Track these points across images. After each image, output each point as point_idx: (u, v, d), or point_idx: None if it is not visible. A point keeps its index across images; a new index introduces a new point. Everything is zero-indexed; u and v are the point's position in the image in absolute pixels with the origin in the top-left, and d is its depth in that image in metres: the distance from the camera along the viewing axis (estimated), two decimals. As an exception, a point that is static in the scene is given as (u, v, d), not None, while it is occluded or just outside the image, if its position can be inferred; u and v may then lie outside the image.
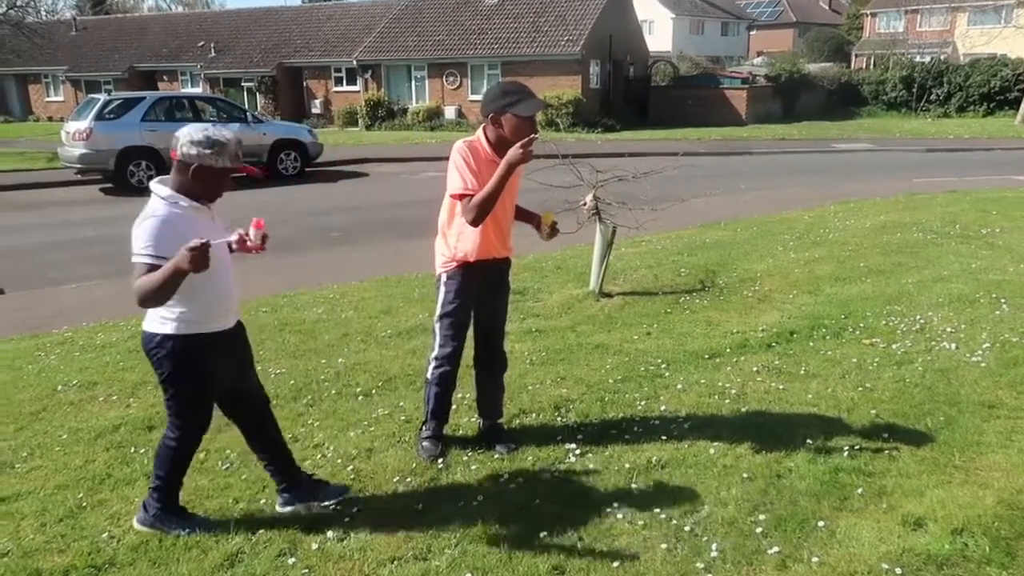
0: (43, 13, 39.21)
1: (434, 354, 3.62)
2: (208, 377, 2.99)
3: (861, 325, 5.50)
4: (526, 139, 3.16)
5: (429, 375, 3.65)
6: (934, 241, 8.33)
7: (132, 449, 3.89)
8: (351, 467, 3.60)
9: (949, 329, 5.35)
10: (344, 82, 31.78)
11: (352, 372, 4.87)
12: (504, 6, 30.08)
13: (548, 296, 6.51)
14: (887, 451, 3.59)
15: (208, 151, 2.73)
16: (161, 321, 2.88)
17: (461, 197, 3.31)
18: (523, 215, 3.66)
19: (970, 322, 5.51)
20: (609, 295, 6.42)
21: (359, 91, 30.70)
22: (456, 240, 3.47)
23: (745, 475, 3.40)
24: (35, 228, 11.39)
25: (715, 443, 3.71)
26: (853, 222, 9.61)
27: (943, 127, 26.48)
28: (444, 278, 3.55)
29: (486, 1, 30.68)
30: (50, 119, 36.44)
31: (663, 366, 4.77)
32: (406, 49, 29.87)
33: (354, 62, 30.49)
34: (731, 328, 5.50)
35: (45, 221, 12.03)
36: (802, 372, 4.62)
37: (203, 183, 2.79)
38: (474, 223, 3.32)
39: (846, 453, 3.55)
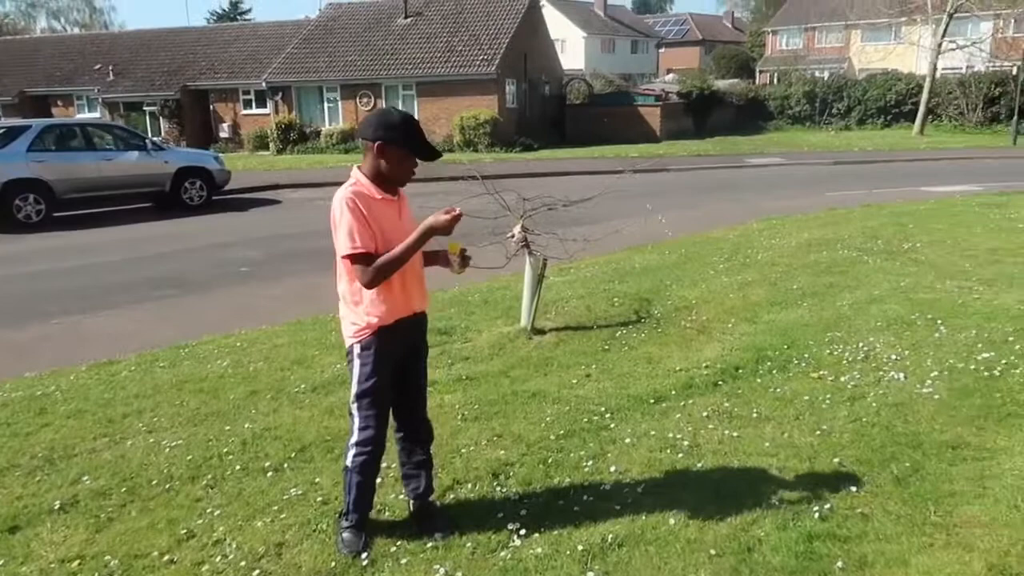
0: (-81, 35, 36.63)
1: (354, 439, 3.09)
2: None
3: (806, 356, 5.26)
4: (453, 211, 2.83)
5: (349, 462, 3.11)
6: (860, 259, 8.30)
7: (-13, 561, 3.23)
8: (257, 570, 3.05)
9: (894, 356, 5.17)
10: (253, 105, 30.68)
11: (261, 440, 4.28)
12: (417, 26, 29.67)
13: (477, 335, 6.06)
14: (859, 509, 3.28)
15: None
16: None
17: (352, 259, 2.84)
18: (426, 257, 3.20)
19: (912, 347, 5.36)
20: (542, 331, 6.02)
21: (269, 114, 29.65)
22: (367, 304, 2.97)
23: (712, 551, 3.02)
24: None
25: (674, 510, 3.32)
26: (778, 240, 9.55)
27: (846, 140, 27.47)
28: (357, 350, 3.03)
29: (398, 21, 30.21)
30: (-71, 149, 33.80)
31: (607, 415, 4.38)
32: (317, 70, 29.05)
33: (263, 84, 29.46)
34: (673, 365, 5.18)
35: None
36: (754, 415, 4.31)
37: None
38: (370, 287, 2.88)
39: (817, 515, 3.22)
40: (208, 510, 3.54)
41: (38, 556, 3.26)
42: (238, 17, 63.91)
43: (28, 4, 71.14)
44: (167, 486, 3.81)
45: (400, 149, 2.90)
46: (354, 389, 3.07)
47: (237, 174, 17.98)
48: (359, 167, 2.99)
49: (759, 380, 4.87)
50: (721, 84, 36.21)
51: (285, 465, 3.95)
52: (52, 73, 34.79)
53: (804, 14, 51.22)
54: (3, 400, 5.20)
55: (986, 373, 4.78)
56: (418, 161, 2.98)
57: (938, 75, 30.20)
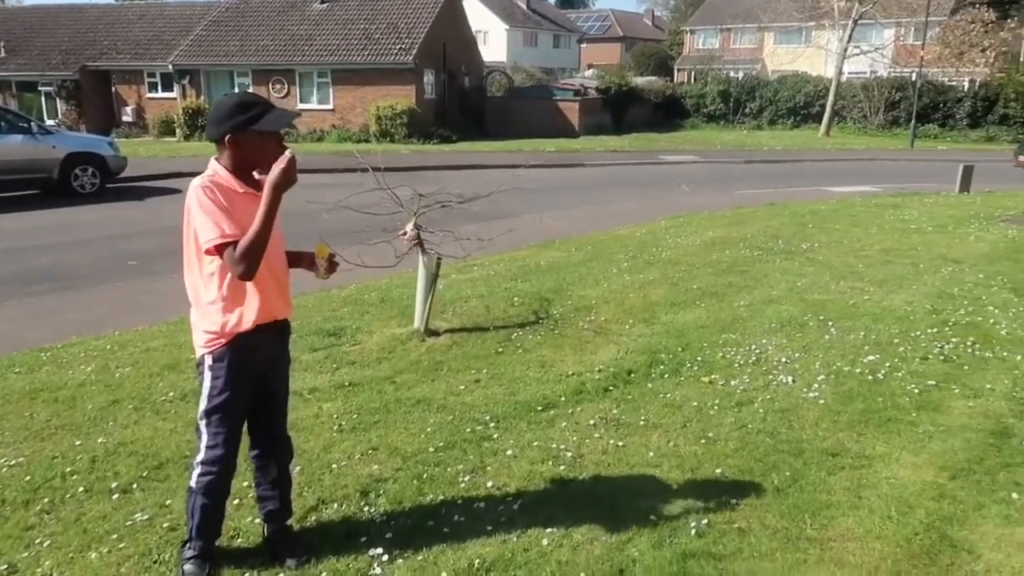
0: None
1: (200, 458, 2.80)
2: None
3: (699, 359, 5.21)
4: (284, 157, 2.51)
5: (194, 483, 2.81)
6: (760, 258, 8.39)
7: None
8: (81, 611, 2.73)
9: (784, 359, 5.17)
10: (159, 88, 29.26)
11: (112, 457, 3.91)
12: (333, 12, 28.86)
13: (367, 337, 5.79)
14: (737, 524, 3.19)
15: None
16: None
17: (220, 249, 2.54)
18: (290, 258, 2.94)
19: (803, 349, 5.38)
20: (436, 333, 5.80)
21: (176, 98, 28.33)
22: (222, 307, 2.68)
23: (583, 574, 2.86)
24: None
25: (549, 529, 3.16)
26: (684, 239, 9.59)
27: (757, 139, 28.22)
28: (209, 361, 2.73)
29: (314, 6, 29.33)
30: None
31: (492, 424, 4.20)
32: (228, 54, 27.91)
33: (170, 67, 28.14)
34: (566, 370, 5.04)
35: None
36: (642, 423, 4.21)
37: None
38: (247, 275, 2.56)
39: (694, 531, 3.12)
40: (38, 540, 3.17)
41: None
42: (146, -5, 61.04)
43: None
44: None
45: (252, 132, 2.61)
46: (203, 404, 2.78)
47: (138, 161, 17.07)
48: (216, 159, 2.69)
49: (650, 385, 4.77)
50: (640, 81, 36.69)
51: (135, 485, 3.61)
52: (-65, 48, 32.35)
53: (720, 15, 52.48)
54: None
55: (870, 376, 4.82)
56: (282, 133, 2.70)
57: (844, 79, 31.37)
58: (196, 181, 2.61)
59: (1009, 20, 34.59)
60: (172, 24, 30.91)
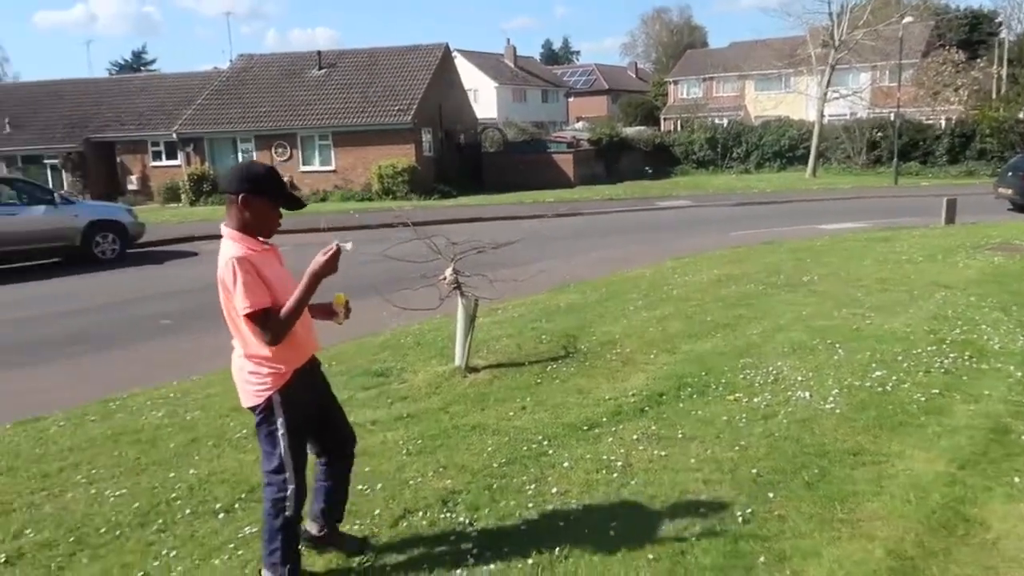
0: None
1: (287, 493, 3.11)
2: None
3: (722, 381, 5.69)
4: (331, 249, 2.93)
5: (289, 513, 3.12)
6: (765, 292, 8.93)
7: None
8: (221, 604, 3.15)
9: (799, 378, 5.66)
10: (163, 156, 30.13)
11: (207, 485, 4.35)
12: (332, 77, 29.96)
13: (413, 375, 6.26)
14: (776, 511, 3.64)
15: None
16: None
17: (253, 317, 2.90)
18: (313, 310, 3.31)
19: (815, 369, 5.87)
20: (476, 369, 6.27)
21: (180, 165, 29.14)
22: (275, 354, 3.03)
23: (650, 556, 3.31)
24: None
25: (613, 523, 3.60)
26: (691, 277, 10.14)
27: (747, 182, 29.09)
28: (278, 400, 3.07)
29: (312, 72, 30.45)
30: None
31: (545, 443, 4.65)
32: (230, 121, 28.86)
33: (174, 135, 29.05)
34: (602, 395, 5.51)
35: None
36: (679, 436, 4.67)
37: None
38: (275, 343, 2.94)
39: (740, 519, 3.57)
40: (163, 552, 3.60)
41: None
42: (142, 68, 62.74)
43: (-88, 54, 67.74)
44: (116, 533, 3.84)
45: (265, 200, 2.97)
46: (283, 443, 3.09)
47: (151, 227, 17.62)
48: (225, 224, 3.01)
49: (681, 405, 5.24)
50: (629, 131, 37.80)
51: (236, 506, 4.04)
52: (-58, 126, 33.21)
53: (702, 65, 54.29)
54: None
55: (879, 389, 5.31)
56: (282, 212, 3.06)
57: (825, 121, 32.48)
58: (227, 253, 2.93)
59: (978, 60, 36.09)
60: (174, 94, 31.93)
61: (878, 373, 5.63)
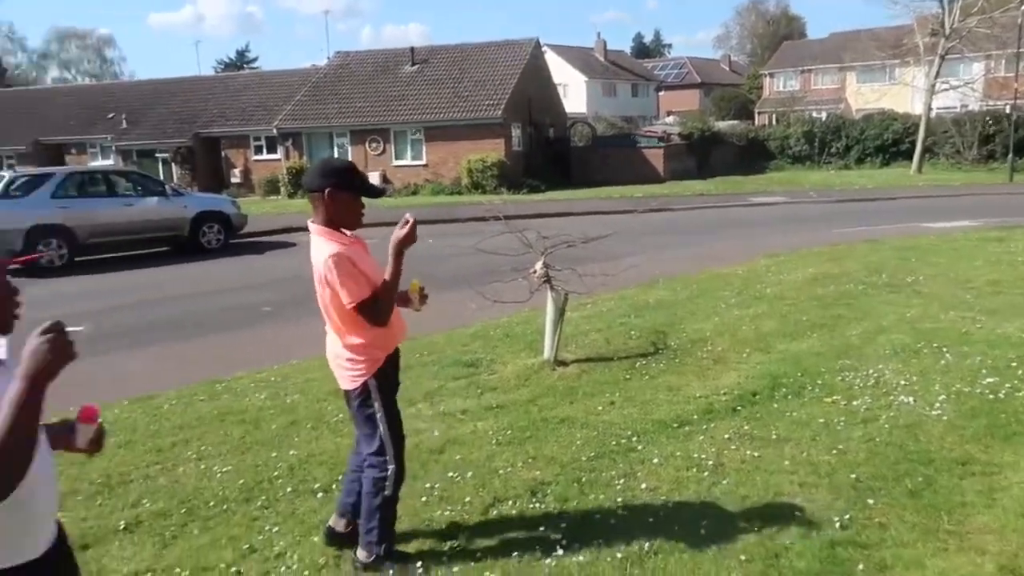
0: (-63, 87, 37.60)
1: (387, 473, 3.24)
2: None
3: (819, 382, 5.51)
4: (408, 221, 3.03)
5: (380, 499, 3.24)
6: (865, 292, 8.58)
7: None
8: (321, 579, 3.29)
9: (903, 382, 5.42)
10: (264, 151, 31.39)
11: (306, 465, 4.54)
12: (424, 73, 30.50)
13: (502, 367, 6.33)
14: (877, 519, 3.52)
15: None
16: None
17: (359, 308, 3.04)
18: None
19: (920, 373, 5.61)
20: (564, 363, 6.29)
21: (280, 159, 30.31)
22: (372, 341, 3.18)
23: (742, 557, 3.25)
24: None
25: (704, 522, 3.56)
26: (786, 275, 9.85)
27: (847, 178, 27.95)
28: (374, 384, 3.21)
29: (405, 68, 31.05)
30: (-55, 197, 34.43)
31: (634, 439, 4.63)
32: (327, 116, 29.78)
33: (274, 130, 30.17)
34: (693, 392, 5.44)
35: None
36: (773, 437, 4.56)
37: None
38: (382, 324, 3.10)
39: (837, 524, 3.47)
40: (266, 528, 3.78)
41: (111, 571, 3.50)
42: (245, 66, 65.46)
43: (40, 56, 73.03)
44: (223, 507, 4.06)
45: (348, 193, 3.08)
46: (383, 426, 3.22)
47: (252, 218, 18.40)
48: (312, 221, 3.15)
49: (776, 405, 5.12)
50: (722, 125, 36.95)
51: (333, 486, 4.19)
52: (66, 122, 35.64)
53: (799, 57, 52.46)
54: (54, 432, 5.46)
55: (991, 396, 5.03)
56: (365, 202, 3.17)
57: (933, 114, 30.83)
58: (324, 251, 3.04)
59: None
60: (275, 91, 33.20)
61: (989, 380, 5.34)
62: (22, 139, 34.80)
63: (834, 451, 4.30)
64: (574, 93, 49.42)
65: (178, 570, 3.43)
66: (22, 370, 1.56)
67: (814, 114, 40.36)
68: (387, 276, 3.07)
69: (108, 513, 4.08)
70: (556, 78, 38.09)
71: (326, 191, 3.05)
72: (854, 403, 5.07)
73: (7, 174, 14.77)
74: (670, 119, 44.88)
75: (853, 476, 3.97)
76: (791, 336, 6.84)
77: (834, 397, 5.20)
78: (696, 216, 19.34)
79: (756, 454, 4.32)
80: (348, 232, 3.18)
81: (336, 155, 29.60)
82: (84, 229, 14.45)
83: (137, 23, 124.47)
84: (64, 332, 1.60)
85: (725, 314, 7.82)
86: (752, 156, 34.52)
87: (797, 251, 12.03)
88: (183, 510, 4.05)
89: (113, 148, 33.08)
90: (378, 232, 3.40)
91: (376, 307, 3.06)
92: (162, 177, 31.14)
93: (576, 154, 32.14)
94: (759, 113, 49.93)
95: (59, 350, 1.57)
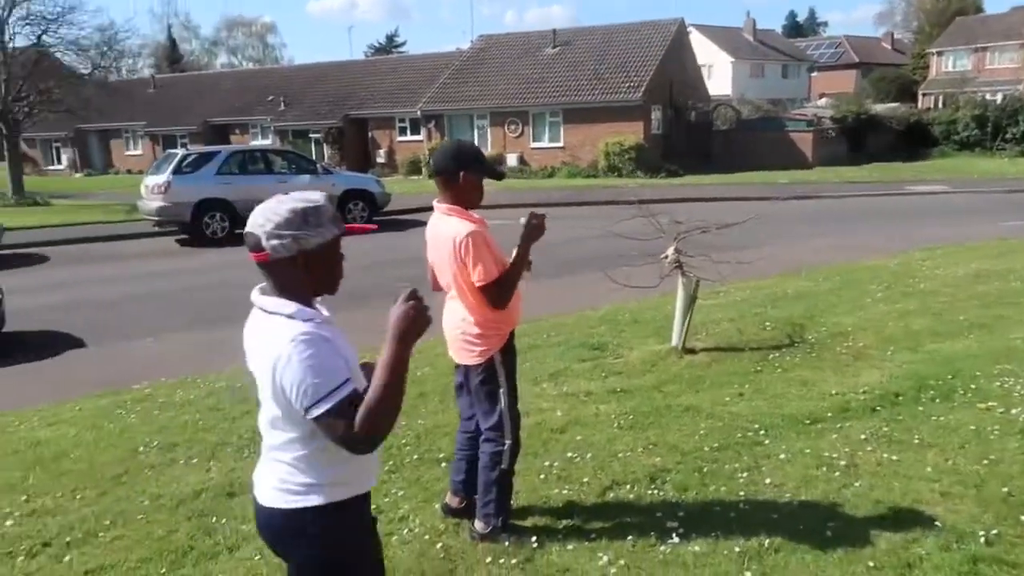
0: (124, 72, 41.44)
1: (504, 448, 3.31)
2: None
3: (972, 387, 5.10)
4: (539, 215, 3.15)
5: (497, 472, 3.33)
6: (1035, 291, 7.82)
7: (213, 519, 3.79)
8: (440, 543, 3.42)
9: (1073, 392, 4.92)
10: (408, 132, 32.46)
11: (431, 435, 4.72)
12: (564, 55, 30.43)
13: (628, 352, 6.28)
14: (1030, 537, 3.23)
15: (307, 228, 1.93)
16: (299, 491, 1.96)
17: (486, 288, 3.11)
18: None
19: (1095, 384, 5.06)
20: (693, 351, 6.15)
21: (423, 140, 31.27)
22: (502, 316, 3.25)
23: (870, 563, 3.09)
24: (115, 280, 11.70)
25: (831, 523, 3.40)
26: (943, 270, 9.13)
27: (1023, 167, 25.43)
28: (499, 359, 3.28)
29: (546, 51, 31.10)
30: (129, 172, 38.10)
31: (761, 432, 4.48)
32: (468, 99, 30.38)
33: (418, 112, 31.14)
34: (828, 389, 5.17)
35: (124, 273, 12.38)
36: (915, 441, 4.27)
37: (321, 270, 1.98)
38: (503, 306, 3.17)
39: (983, 539, 3.21)
40: (392, 491, 3.97)
41: (252, 518, 3.78)
42: (393, 50, 67.81)
43: (211, 42, 78.95)
44: (355, 468, 4.29)
45: (478, 176, 3.17)
46: (504, 400, 3.30)
47: (395, 197, 19.12)
48: (439, 201, 3.22)
49: (920, 408, 4.78)
50: (880, 108, 34.51)
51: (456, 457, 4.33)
52: (231, 104, 38.36)
53: (973, 33, 48.11)
54: (210, 389, 5.96)
55: None
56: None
57: None
58: (460, 230, 3.09)
59: None
60: (419, 74, 34.21)
61: None
62: (194, 119, 37.83)
63: (985, 461, 3.97)
64: (719, 74, 47.74)
65: None
66: (394, 333, 1.85)
67: (987, 96, 36.91)
68: (513, 266, 3.16)
69: (252, 465, 4.39)
70: (701, 59, 36.96)
71: (460, 173, 3.14)
72: (1012, 411, 4.65)
73: (180, 152, 16.11)
74: (822, 102, 42.37)
75: (1005, 489, 3.65)
76: (944, 335, 6.35)
77: (989, 403, 4.79)
78: (845, 204, 18.25)
79: (895, 458, 4.07)
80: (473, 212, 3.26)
81: (476, 137, 30.22)
82: (244, 203, 15.53)
83: (297, 11, 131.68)
84: (422, 299, 1.89)
85: (871, 308, 7.36)
86: (913, 141, 32.06)
87: (958, 244, 11.11)
88: (318, 468, 4.31)
89: (272, 128, 35.28)
90: (498, 214, 3.45)
91: (500, 289, 3.13)
92: (314, 156, 33.06)
93: (718, 138, 31.11)
94: (923, 95, 46.32)
95: (422, 315, 1.86)
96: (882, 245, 11.43)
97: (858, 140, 31.17)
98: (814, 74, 58.94)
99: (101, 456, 4.70)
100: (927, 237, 11.98)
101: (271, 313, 1.92)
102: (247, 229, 1.96)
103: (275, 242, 1.90)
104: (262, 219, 1.92)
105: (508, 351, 3.34)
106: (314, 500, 1.92)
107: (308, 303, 1.95)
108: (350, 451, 1.84)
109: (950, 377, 5.29)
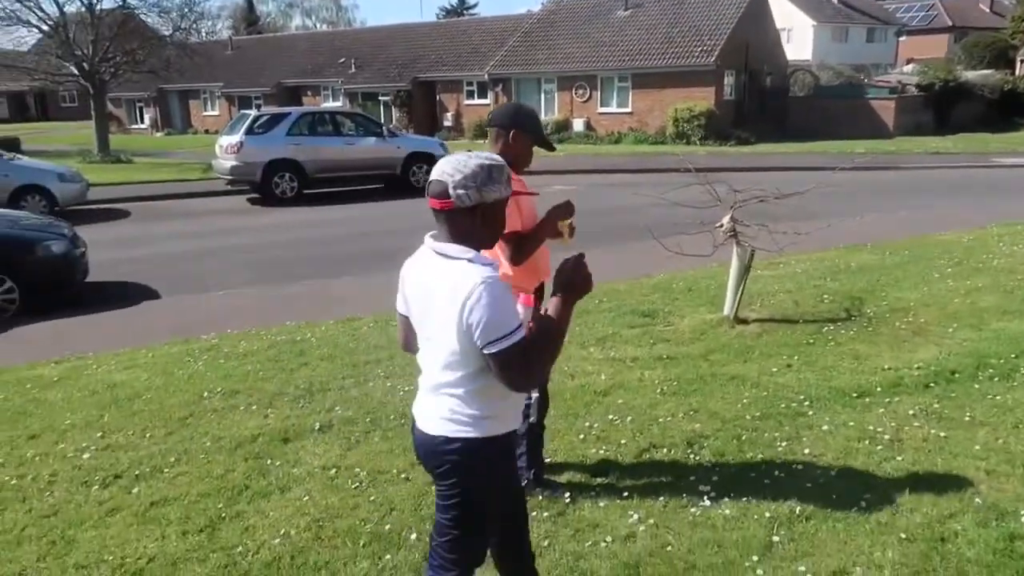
0: (203, 34, 42.53)
1: (531, 400, 3.26)
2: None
3: (1036, 367, 4.93)
4: (568, 204, 3.17)
5: (525, 425, 3.34)
6: (1120, 271, 7.43)
7: (268, 461, 4.02)
8: (476, 495, 3.55)
9: None
10: (475, 95, 32.47)
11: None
12: (636, 17, 29.79)
13: (679, 320, 6.27)
14: (1074, 519, 3.16)
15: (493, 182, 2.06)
16: (467, 422, 2.12)
17: (506, 237, 3.06)
18: (542, 229, 3.35)
19: None
20: (745, 321, 6.10)
21: (489, 104, 31.22)
22: (526, 272, 3.28)
23: (903, 535, 3.08)
24: (189, 236, 12.21)
25: (867, 495, 3.39)
26: (1021, 247, 8.74)
27: None
28: (523, 313, 3.36)
29: (617, 14, 30.50)
30: (207, 131, 39.31)
31: (806, 403, 4.45)
32: (536, 63, 30.14)
33: (485, 76, 31.09)
34: (882, 364, 5.08)
35: (198, 229, 12.89)
36: (967, 419, 4.18)
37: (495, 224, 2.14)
38: (516, 263, 3.19)
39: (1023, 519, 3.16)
40: (435, 444, 4.11)
41: (305, 462, 4.01)
42: (464, 12, 67.50)
43: (287, 4, 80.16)
44: (401, 421, 4.46)
45: (530, 137, 3.24)
46: None
47: (459, 160, 19.23)
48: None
49: (977, 386, 4.66)
50: (971, 75, 32.69)
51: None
52: (304, 67, 39.01)
53: (1082, -5, 44.79)
54: (272, 342, 6.23)
55: None
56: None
57: None
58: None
59: None
60: (488, 37, 34.08)
61: None
62: (268, 81, 38.66)
63: (1038, 442, 3.87)
64: (798, 38, 45.88)
65: (357, 470, 3.87)
66: (561, 291, 2.09)
67: (1093, 63, 34.52)
68: (534, 232, 3.18)
69: (307, 415, 4.64)
70: (780, 22, 35.57)
71: (512, 131, 3.21)
72: (1076, 393, 4.49)
73: (252, 113, 16.55)
74: (908, 68, 40.38)
75: (1055, 471, 3.57)
76: (1013, 314, 6.12)
77: (1051, 384, 4.64)
78: (925, 176, 17.51)
79: (942, 434, 4.00)
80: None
81: (543, 102, 30.00)
82: (312, 164, 15.95)
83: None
84: (585, 263, 2.11)
85: (936, 284, 7.13)
86: (1006, 111, 30.38)
87: (1042, 220, 10.58)
88: (368, 419, 4.51)
89: (342, 91, 35.78)
90: (559, 180, 3.48)
91: (517, 244, 3.16)
92: (383, 119, 33.46)
93: (794, 104, 30.12)
94: (1021, 61, 43.56)
95: (586, 276, 2.11)
96: (958, 220, 10.97)
97: (945, 109, 29.71)
98: (903, 38, 56.05)
99: (170, 399, 5.00)
100: (1008, 212, 11.43)
101: (453, 258, 2.05)
102: (433, 177, 2.09)
103: (461, 191, 2.03)
104: (451, 169, 2.05)
105: (535, 309, 3.39)
106: (479, 431, 2.11)
107: (478, 251, 2.08)
108: (513, 388, 2.03)
109: (1013, 356, 5.13)
